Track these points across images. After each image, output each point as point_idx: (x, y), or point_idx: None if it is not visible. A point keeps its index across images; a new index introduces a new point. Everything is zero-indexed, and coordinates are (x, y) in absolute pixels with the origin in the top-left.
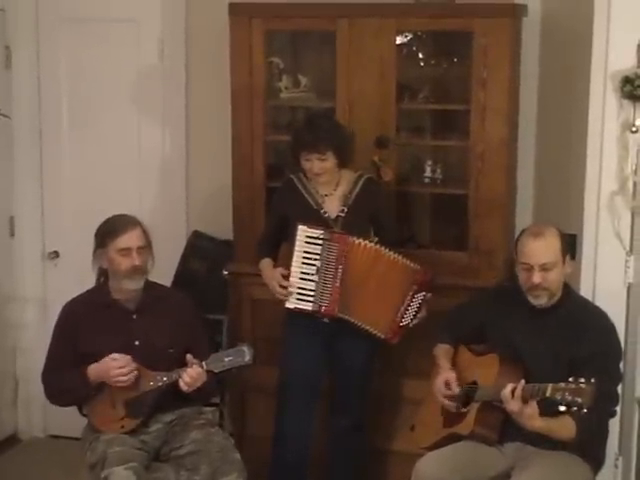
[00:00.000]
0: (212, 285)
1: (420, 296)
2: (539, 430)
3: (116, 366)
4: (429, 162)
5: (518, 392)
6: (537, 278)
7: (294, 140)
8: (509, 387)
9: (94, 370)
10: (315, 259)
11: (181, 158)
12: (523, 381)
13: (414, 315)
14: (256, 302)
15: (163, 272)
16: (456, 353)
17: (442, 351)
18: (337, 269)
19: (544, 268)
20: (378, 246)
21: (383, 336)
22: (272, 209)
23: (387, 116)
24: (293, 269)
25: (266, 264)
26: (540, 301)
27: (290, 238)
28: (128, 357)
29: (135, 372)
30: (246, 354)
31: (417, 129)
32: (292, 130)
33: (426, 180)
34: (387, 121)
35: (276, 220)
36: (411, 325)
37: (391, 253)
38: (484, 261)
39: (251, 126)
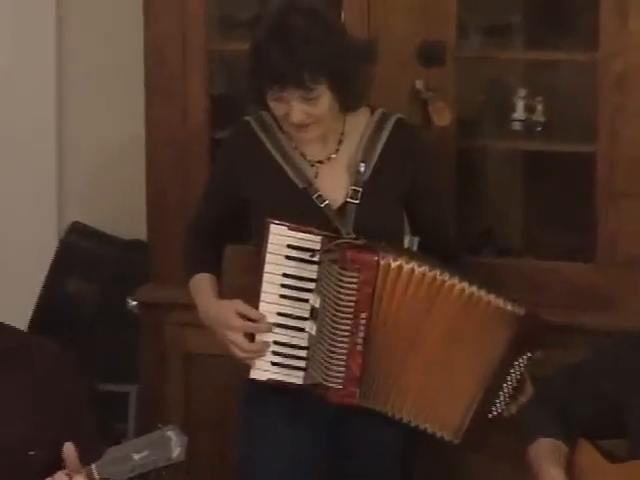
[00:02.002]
0: (108, 327)
1: (523, 361)
2: None
3: None
4: (521, 92)
5: None
6: None
7: (254, 63)
8: None
9: None
10: (306, 290)
11: (48, 94)
12: None
13: (512, 396)
14: (191, 359)
15: (15, 301)
16: (573, 454)
17: (546, 450)
18: (358, 318)
19: None
20: (438, 271)
21: (457, 440)
22: (213, 179)
23: (441, 5)
24: (263, 305)
25: (204, 287)
26: None
27: (255, 236)
28: None
29: None
30: (173, 445)
31: (497, 29)
32: (252, 38)
33: (516, 127)
34: (441, 15)
35: (220, 201)
36: (507, 414)
37: (464, 284)
38: (626, 281)
39: (181, 24)
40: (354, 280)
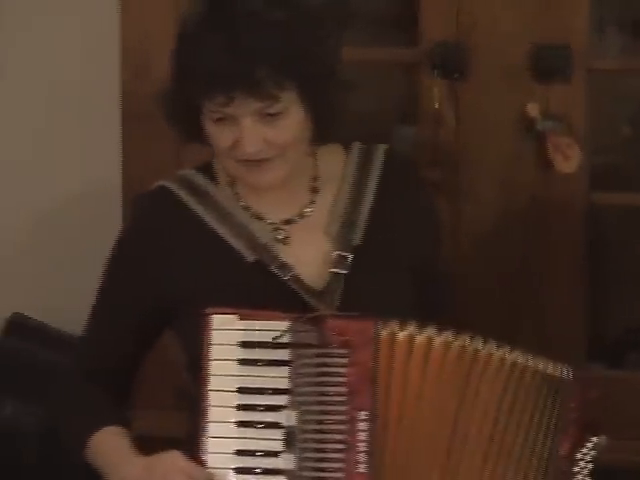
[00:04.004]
0: (54, 474)
1: (588, 450)
2: None
3: None
4: None
5: None
6: None
7: (183, 64)
8: None
9: None
10: (276, 407)
11: None
12: None
13: None
14: None
15: None
16: None
17: None
18: (355, 421)
19: None
20: (466, 338)
21: None
22: (116, 287)
23: None
24: (211, 443)
25: (117, 445)
26: None
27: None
28: None
29: None
30: None
31: None
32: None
33: None
34: (564, 6)
35: (132, 317)
36: None
37: (503, 350)
38: None
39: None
40: (342, 361)
